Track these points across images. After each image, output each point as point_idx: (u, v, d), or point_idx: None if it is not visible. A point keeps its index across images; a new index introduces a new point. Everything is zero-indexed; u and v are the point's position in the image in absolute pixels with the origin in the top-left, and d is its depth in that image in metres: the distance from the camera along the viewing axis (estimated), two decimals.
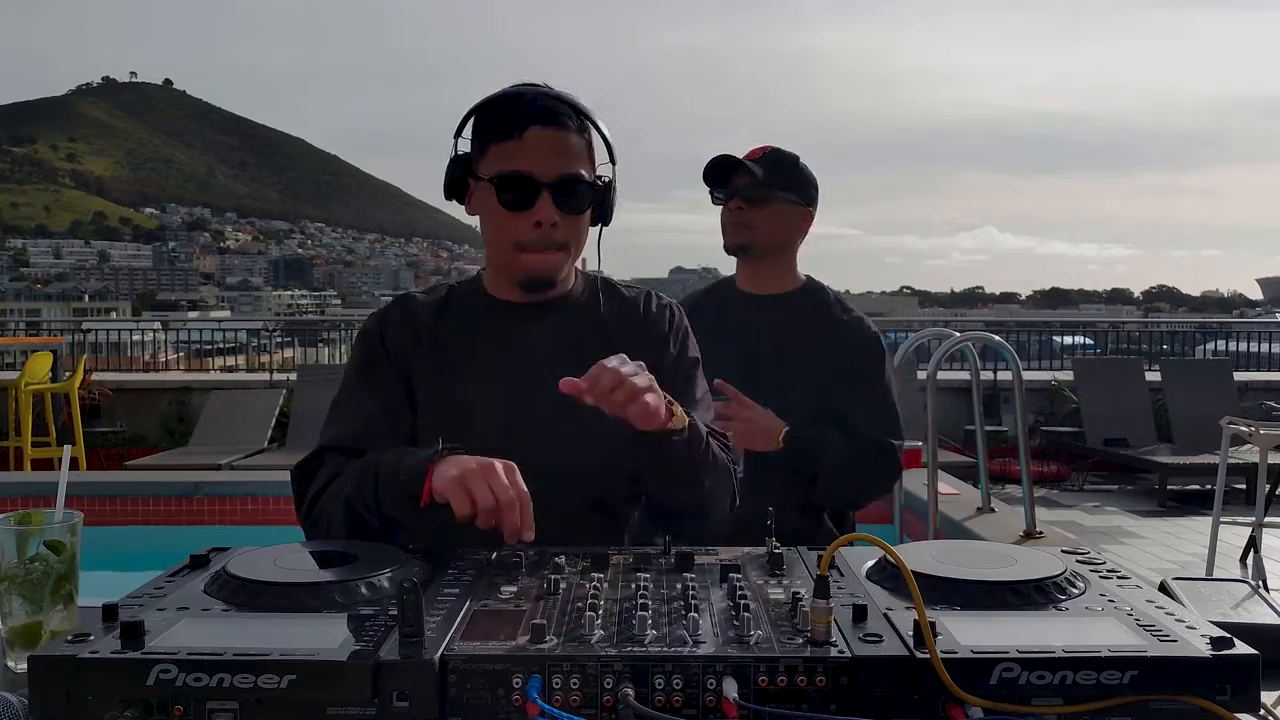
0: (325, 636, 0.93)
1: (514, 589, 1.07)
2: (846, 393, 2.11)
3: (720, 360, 1.92)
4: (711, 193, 2.27)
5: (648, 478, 1.48)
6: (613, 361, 1.29)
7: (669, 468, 1.42)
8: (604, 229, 1.57)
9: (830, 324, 2.19)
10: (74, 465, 4.74)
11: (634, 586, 1.05)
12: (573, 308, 1.59)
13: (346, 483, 1.39)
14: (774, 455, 2.05)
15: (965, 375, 7.08)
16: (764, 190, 2.18)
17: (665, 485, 1.47)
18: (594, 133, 1.52)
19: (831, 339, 2.16)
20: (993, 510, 4.13)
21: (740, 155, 2.23)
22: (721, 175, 2.25)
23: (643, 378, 1.31)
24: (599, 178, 1.52)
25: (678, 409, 1.38)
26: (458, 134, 1.51)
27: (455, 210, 1.59)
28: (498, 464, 1.25)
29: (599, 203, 1.53)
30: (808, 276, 2.29)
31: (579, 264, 1.62)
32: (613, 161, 1.54)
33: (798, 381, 2.10)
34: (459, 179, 1.53)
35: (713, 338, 1.94)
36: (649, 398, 1.30)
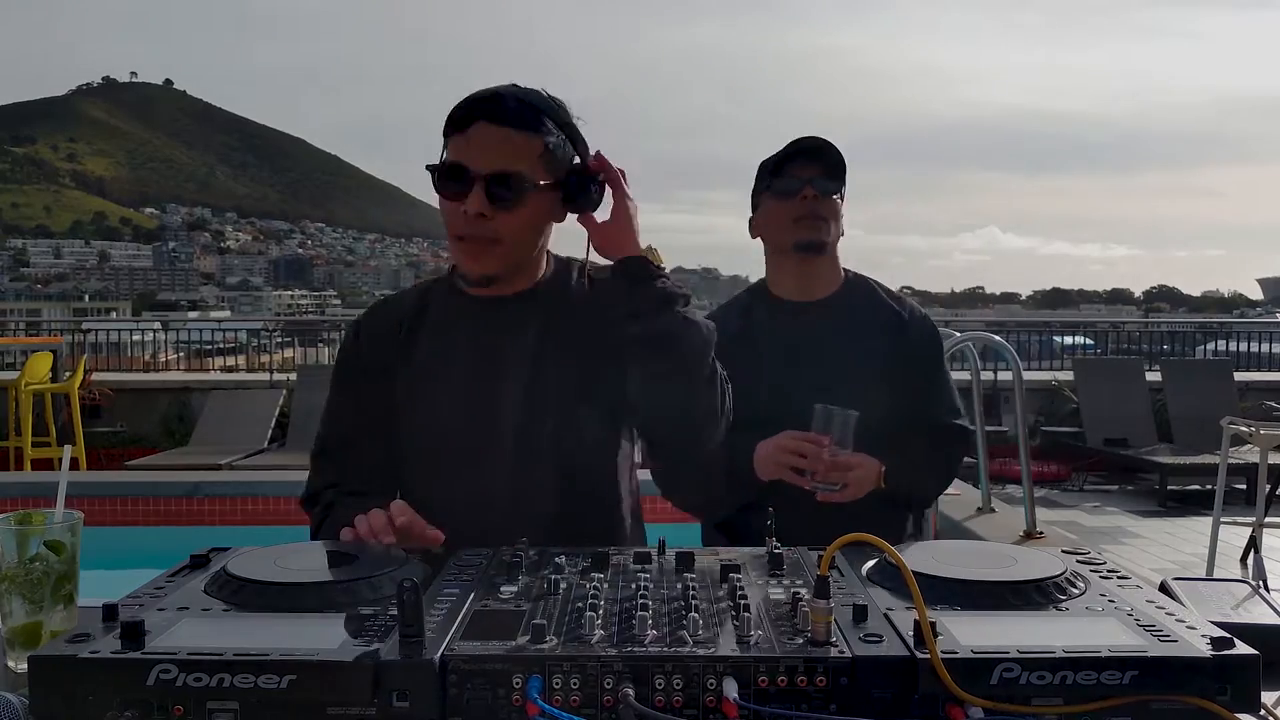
0: (325, 636, 0.93)
1: (514, 589, 1.08)
2: (916, 384, 1.99)
3: (791, 381, 1.87)
4: (770, 183, 1.99)
5: (637, 386, 1.47)
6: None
7: (654, 342, 1.43)
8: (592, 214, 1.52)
9: (887, 317, 2.04)
10: (74, 465, 4.74)
11: (634, 586, 1.05)
12: (541, 296, 1.59)
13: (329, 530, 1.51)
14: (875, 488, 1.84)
15: (965, 375, 7.05)
16: (833, 184, 1.97)
17: (656, 385, 1.46)
18: (560, 136, 1.48)
19: (892, 333, 2.02)
20: (993, 510, 4.14)
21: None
22: (792, 161, 1.98)
23: None
24: (553, 179, 1.47)
25: (654, 253, 1.47)
26: (446, 134, 1.51)
27: None
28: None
29: (575, 196, 1.49)
30: (847, 270, 2.09)
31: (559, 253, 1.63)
32: (582, 158, 1.51)
33: (869, 385, 1.91)
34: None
35: (777, 358, 1.90)
36: None
